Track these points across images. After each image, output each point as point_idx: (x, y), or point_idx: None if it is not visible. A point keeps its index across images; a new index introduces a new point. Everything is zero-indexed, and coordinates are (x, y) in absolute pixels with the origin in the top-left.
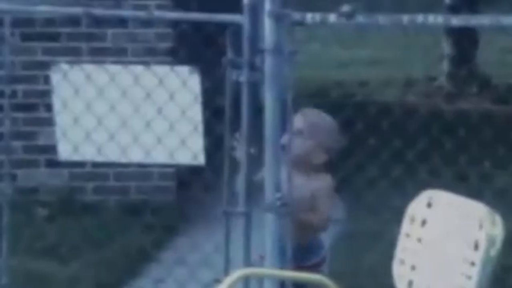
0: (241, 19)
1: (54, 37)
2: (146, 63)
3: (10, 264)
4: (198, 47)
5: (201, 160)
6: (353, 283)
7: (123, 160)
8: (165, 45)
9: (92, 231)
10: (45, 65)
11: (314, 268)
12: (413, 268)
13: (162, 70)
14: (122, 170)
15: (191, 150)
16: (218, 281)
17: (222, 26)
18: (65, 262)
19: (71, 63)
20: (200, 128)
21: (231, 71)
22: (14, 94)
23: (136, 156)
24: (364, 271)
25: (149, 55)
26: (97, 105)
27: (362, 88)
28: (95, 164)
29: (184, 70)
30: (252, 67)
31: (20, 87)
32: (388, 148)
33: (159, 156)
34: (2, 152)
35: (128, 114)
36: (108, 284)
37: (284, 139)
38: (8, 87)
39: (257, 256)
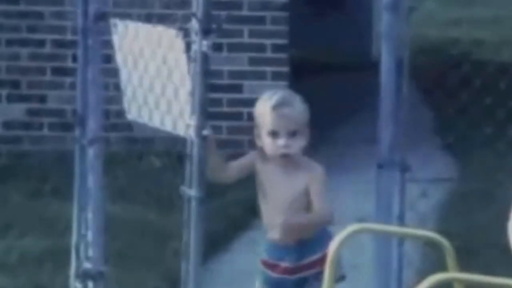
0: None
1: None
2: None
3: (117, 213)
4: None
5: None
6: (465, 242)
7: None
8: None
9: None
10: None
11: (321, 261)
12: None
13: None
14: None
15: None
16: None
17: None
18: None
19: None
20: None
21: None
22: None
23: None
24: (477, 231)
25: None
26: None
27: (478, 48)
28: None
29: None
30: None
31: None
32: (505, 108)
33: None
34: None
35: None
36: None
37: None
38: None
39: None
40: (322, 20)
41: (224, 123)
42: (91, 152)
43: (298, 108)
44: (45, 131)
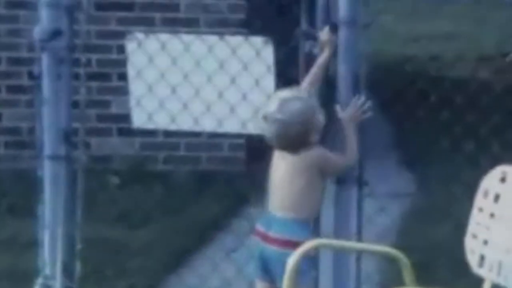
0: None
1: (128, 7)
2: (218, 34)
3: (84, 230)
4: (271, 18)
5: None
6: (423, 256)
7: (196, 129)
8: (238, 16)
9: (164, 200)
10: (118, 35)
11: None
12: (485, 242)
13: (236, 40)
14: (192, 140)
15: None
16: None
17: None
18: (137, 229)
19: (146, 32)
20: None
21: (305, 42)
22: (88, 62)
23: (208, 125)
24: (434, 245)
25: (221, 26)
26: (171, 75)
27: (435, 63)
28: (166, 134)
29: (257, 40)
30: None
31: (94, 56)
32: (461, 122)
33: (231, 126)
34: (77, 120)
35: (201, 83)
36: (179, 252)
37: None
38: (83, 55)
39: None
40: None
41: None
42: (54, 169)
43: (287, 120)
44: (0, 150)
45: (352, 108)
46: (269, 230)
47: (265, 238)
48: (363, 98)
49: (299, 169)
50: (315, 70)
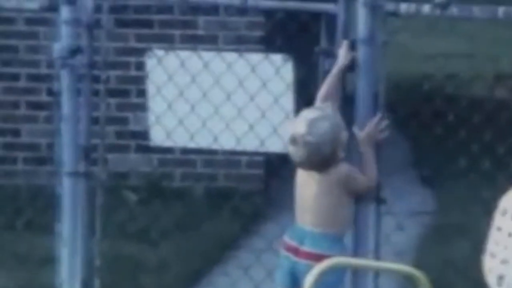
0: (336, 8)
1: (147, 24)
2: (237, 51)
3: (102, 246)
4: (291, 36)
5: None
6: (441, 275)
7: (214, 147)
8: (257, 33)
9: (181, 217)
10: (137, 52)
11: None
12: (504, 262)
13: (255, 57)
14: (210, 157)
15: (282, 139)
16: None
17: (316, 15)
18: (155, 246)
19: (165, 49)
20: (292, 116)
21: (324, 60)
22: (107, 79)
23: (227, 143)
24: (453, 264)
25: (240, 43)
26: (190, 92)
27: (452, 81)
28: (184, 151)
29: (277, 58)
30: None
31: (113, 73)
32: (479, 141)
33: (250, 144)
34: (96, 137)
35: (220, 101)
36: (196, 269)
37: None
38: (103, 72)
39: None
40: None
41: None
42: (73, 185)
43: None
44: (19, 165)
45: (369, 128)
46: (302, 245)
47: (297, 252)
48: (380, 116)
49: (329, 186)
50: (330, 79)
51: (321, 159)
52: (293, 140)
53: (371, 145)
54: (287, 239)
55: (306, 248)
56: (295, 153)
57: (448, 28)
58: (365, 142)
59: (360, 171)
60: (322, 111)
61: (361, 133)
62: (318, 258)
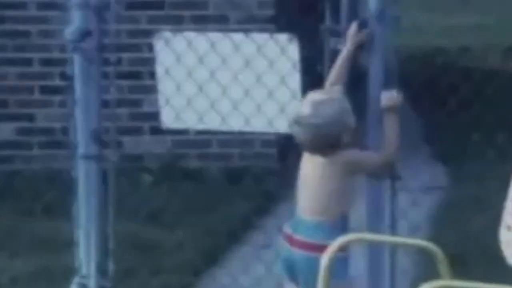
0: None
1: (157, 6)
2: (247, 31)
3: (116, 229)
4: (297, 15)
5: None
6: (457, 249)
7: (223, 128)
8: (266, 12)
9: (195, 198)
10: (149, 33)
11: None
12: None
13: (261, 38)
14: (224, 137)
15: (289, 118)
16: None
17: None
18: (169, 228)
19: (173, 31)
20: (299, 96)
21: (330, 38)
22: (119, 62)
23: (235, 124)
24: (468, 238)
25: (250, 22)
26: (198, 73)
27: (465, 54)
28: (198, 131)
29: (283, 37)
30: None
31: (125, 55)
32: (493, 115)
33: (258, 124)
34: (108, 119)
35: (228, 82)
36: (211, 250)
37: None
38: (113, 55)
39: None
40: None
41: None
42: (87, 168)
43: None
44: (35, 150)
45: (389, 93)
46: (295, 233)
47: (291, 240)
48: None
49: (330, 172)
50: (340, 62)
51: (324, 142)
52: (298, 121)
53: (394, 113)
54: (285, 226)
55: (298, 236)
56: (299, 134)
57: (459, 2)
58: (389, 110)
59: (377, 149)
60: (329, 95)
61: (383, 99)
62: (310, 247)
